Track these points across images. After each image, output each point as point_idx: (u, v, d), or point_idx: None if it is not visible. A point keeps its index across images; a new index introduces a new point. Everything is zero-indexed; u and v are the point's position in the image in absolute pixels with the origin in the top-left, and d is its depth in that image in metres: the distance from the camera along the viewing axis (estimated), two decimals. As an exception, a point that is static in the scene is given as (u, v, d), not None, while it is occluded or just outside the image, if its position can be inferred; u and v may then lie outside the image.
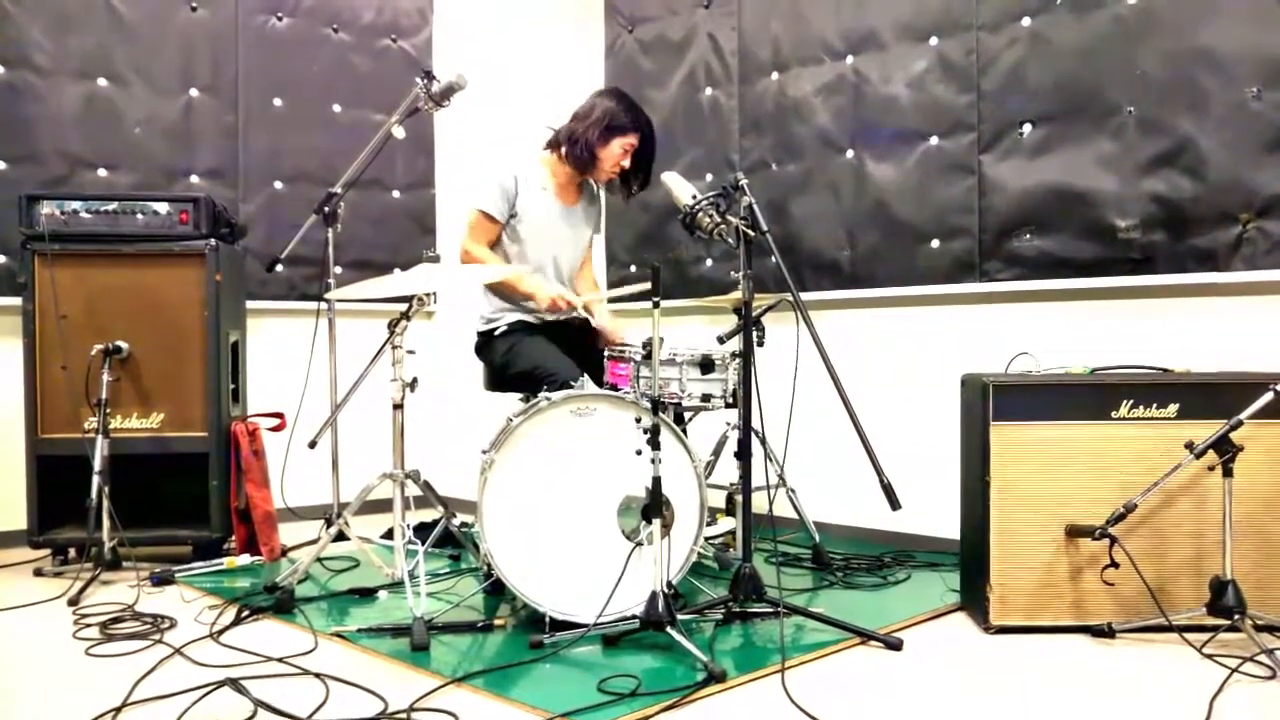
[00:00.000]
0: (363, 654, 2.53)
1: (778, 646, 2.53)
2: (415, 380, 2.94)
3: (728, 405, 2.96)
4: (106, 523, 3.26)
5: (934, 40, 3.74)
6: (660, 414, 2.56)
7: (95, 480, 3.24)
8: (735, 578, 2.72)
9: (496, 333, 3.44)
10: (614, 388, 2.94)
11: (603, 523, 2.70)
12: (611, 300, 3.74)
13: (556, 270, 3.50)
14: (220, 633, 2.69)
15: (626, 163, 3.45)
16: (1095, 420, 2.72)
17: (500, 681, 2.30)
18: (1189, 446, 2.51)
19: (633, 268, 4.75)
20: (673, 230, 4.45)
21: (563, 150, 3.43)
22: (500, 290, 3.44)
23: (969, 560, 2.92)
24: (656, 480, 2.48)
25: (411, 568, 2.77)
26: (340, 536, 3.07)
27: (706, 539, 2.98)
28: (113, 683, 2.29)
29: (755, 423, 2.80)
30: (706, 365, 2.91)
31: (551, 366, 3.16)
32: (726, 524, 3.50)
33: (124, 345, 3.48)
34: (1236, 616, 2.47)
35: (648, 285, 2.60)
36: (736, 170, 4.21)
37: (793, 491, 3.58)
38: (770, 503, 3.46)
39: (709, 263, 4.46)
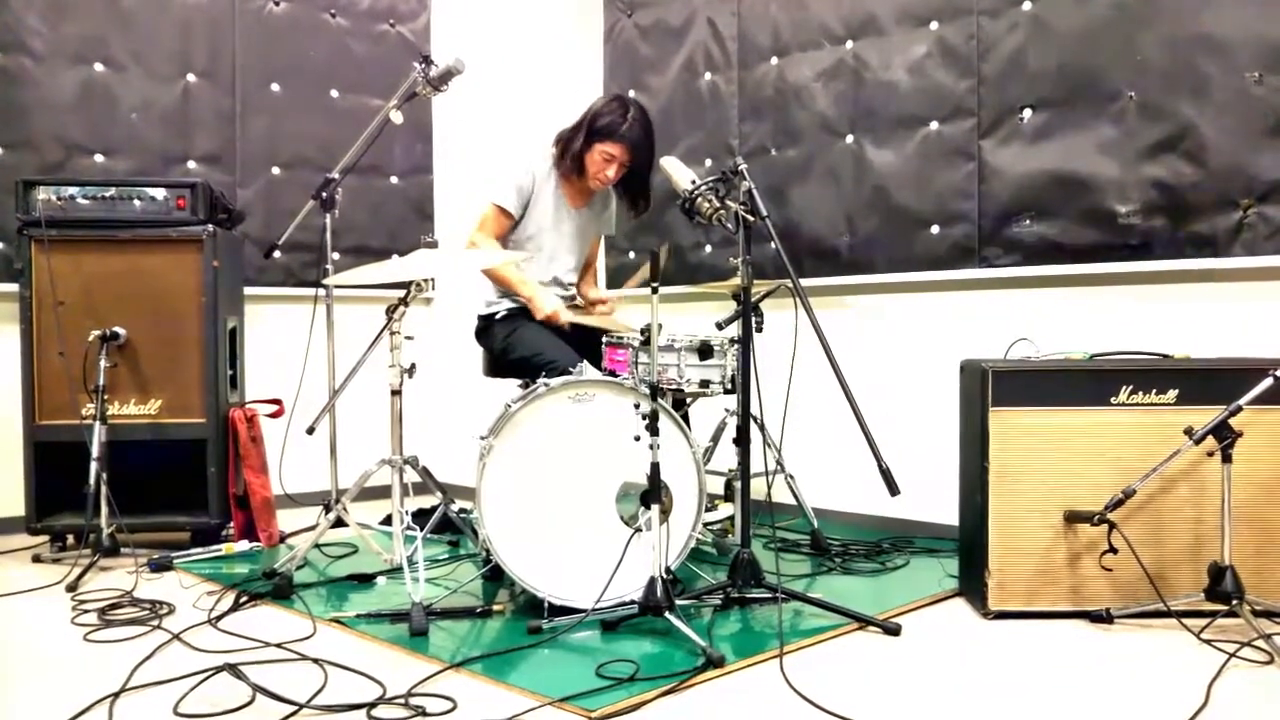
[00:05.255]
0: (361, 639, 2.53)
1: (776, 632, 2.53)
2: (413, 366, 2.93)
3: (726, 391, 2.95)
4: (104, 509, 3.25)
5: (934, 25, 3.72)
6: (659, 400, 2.55)
7: (93, 467, 3.23)
8: (734, 563, 2.73)
9: (497, 318, 3.43)
10: (612, 374, 2.94)
11: (601, 508, 2.70)
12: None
13: (552, 272, 3.49)
14: (219, 619, 2.70)
15: (611, 173, 3.36)
16: (1094, 406, 2.72)
17: (499, 666, 2.30)
18: (1188, 432, 2.51)
19: (631, 254, 4.74)
20: (672, 216, 4.43)
21: (558, 155, 3.41)
22: (500, 283, 3.44)
23: (967, 546, 2.92)
24: (655, 466, 2.47)
25: (410, 553, 2.77)
26: (338, 523, 3.07)
27: (705, 525, 2.98)
28: (111, 668, 2.29)
29: (754, 409, 2.79)
30: (705, 351, 2.91)
31: (551, 353, 3.16)
32: (725, 510, 3.50)
33: (121, 331, 3.47)
34: (1235, 602, 2.47)
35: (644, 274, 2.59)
36: (736, 155, 4.19)
37: (791, 477, 3.58)
38: (769, 488, 3.46)
39: (708, 249, 4.45)
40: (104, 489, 3.24)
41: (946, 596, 2.94)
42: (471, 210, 3.55)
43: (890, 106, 3.85)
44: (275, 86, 4.51)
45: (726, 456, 3.56)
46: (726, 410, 3.66)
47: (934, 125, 3.73)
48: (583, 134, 3.33)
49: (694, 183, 2.78)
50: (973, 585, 2.83)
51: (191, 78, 4.31)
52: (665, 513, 2.63)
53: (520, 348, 3.29)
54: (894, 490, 2.44)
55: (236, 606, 2.82)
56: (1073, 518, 2.70)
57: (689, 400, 3.42)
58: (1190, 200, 3.16)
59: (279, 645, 2.46)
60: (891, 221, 3.85)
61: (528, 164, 3.42)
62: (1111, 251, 3.32)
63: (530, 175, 3.40)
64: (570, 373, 2.84)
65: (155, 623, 2.66)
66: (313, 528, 3.28)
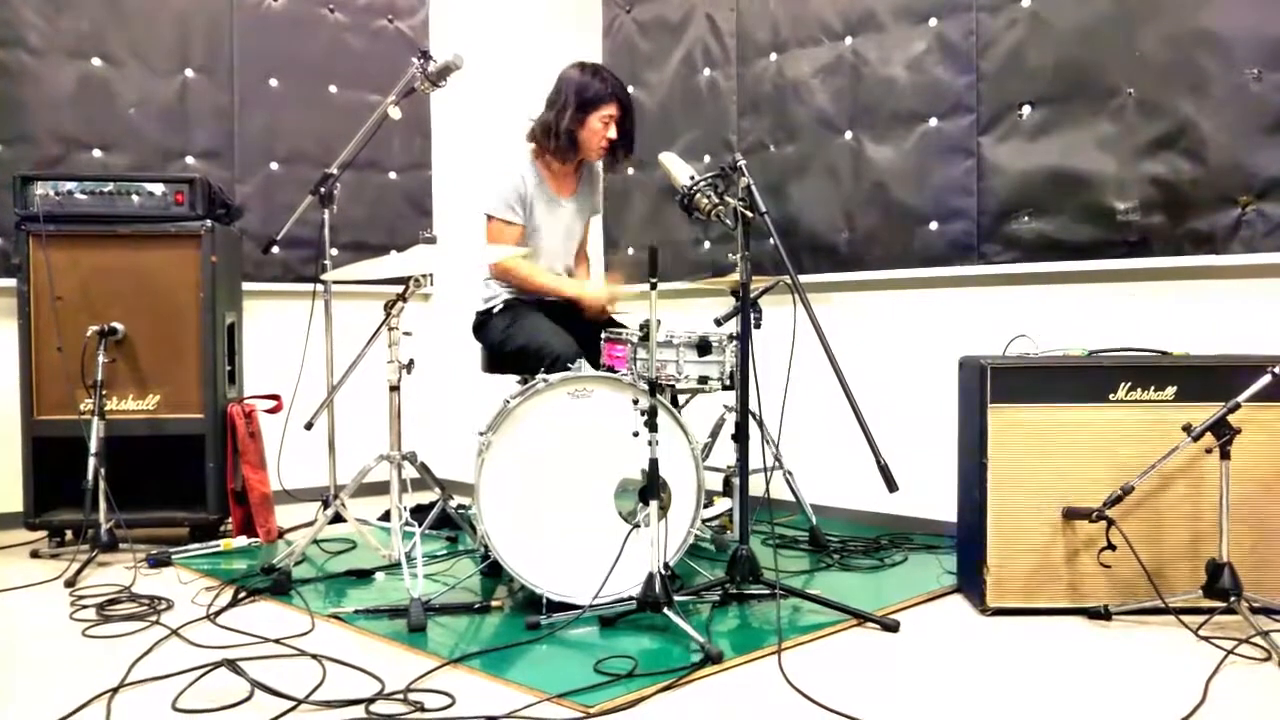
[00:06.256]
0: (360, 635, 2.53)
1: (774, 628, 2.53)
2: (412, 362, 2.92)
3: (725, 387, 2.95)
4: (103, 504, 3.25)
5: (933, 21, 3.72)
6: (657, 396, 2.55)
7: (91, 462, 3.23)
8: (732, 560, 2.73)
9: (495, 310, 3.44)
10: (611, 369, 2.94)
11: (600, 504, 2.69)
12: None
13: (556, 267, 3.49)
14: (217, 614, 2.70)
15: (613, 132, 3.38)
16: (1093, 403, 2.72)
17: (497, 662, 2.31)
18: (1187, 429, 2.51)
19: (630, 250, 4.74)
20: (671, 212, 4.43)
21: (543, 144, 3.40)
22: (536, 290, 3.43)
23: (966, 542, 2.92)
24: (654, 462, 2.47)
25: (408, 549, 2.77)
26: (337, 518, 3.07)
27: (703, 521, 2.98)
28: (110, 664, 2.29)
29: (752, 405, 2.79)
30: (703, 347, 2.90)
31: (551, 345, 3.15)
32: (723, 505, 3.50)
33: (119, 327, 3.46)
34: (1233, 599, 2.47)
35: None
36: (735, 151, 4.19)
37: (790, 474, 3.58)
38: (767, 485, 3.46)
39: (707, 245, 4.45)
40: (102, 484, 3.24)
41: (945, 593, 2.94)
42: (469, 206, 3.54)
43: (889, 103, 3.85)
44: (273, 82, 4.51)
45: (725, 453, 3.57)
46: (725, 406, 3.66)
47: (933, 121, 3.73)
48: (571, 110, 3.33)
49: (692, 178, 2.77)
50: (971, 582, 2.84)
51: (190, 73, 4.30)
52: (664, 509, 2.63)
53: (520, 337, 3.29)
54: (892, 487, 2.44)
55: (235, 602, 2.82)
56: (1071, 514, 2.70)
57: (686, 399, 3.42)
58: (1189, 197, 3.16)
59: (277, 641, 2.46)
60: (890, 218, 3.85)
61: (515, 170, 3.41)
62: (1110, 248, 3.32)
63: (521, 179, 3.39)
64: (569, 366, 2.84)
65: (154, 618, 2.66)
66: (311, 523, 3.29)
